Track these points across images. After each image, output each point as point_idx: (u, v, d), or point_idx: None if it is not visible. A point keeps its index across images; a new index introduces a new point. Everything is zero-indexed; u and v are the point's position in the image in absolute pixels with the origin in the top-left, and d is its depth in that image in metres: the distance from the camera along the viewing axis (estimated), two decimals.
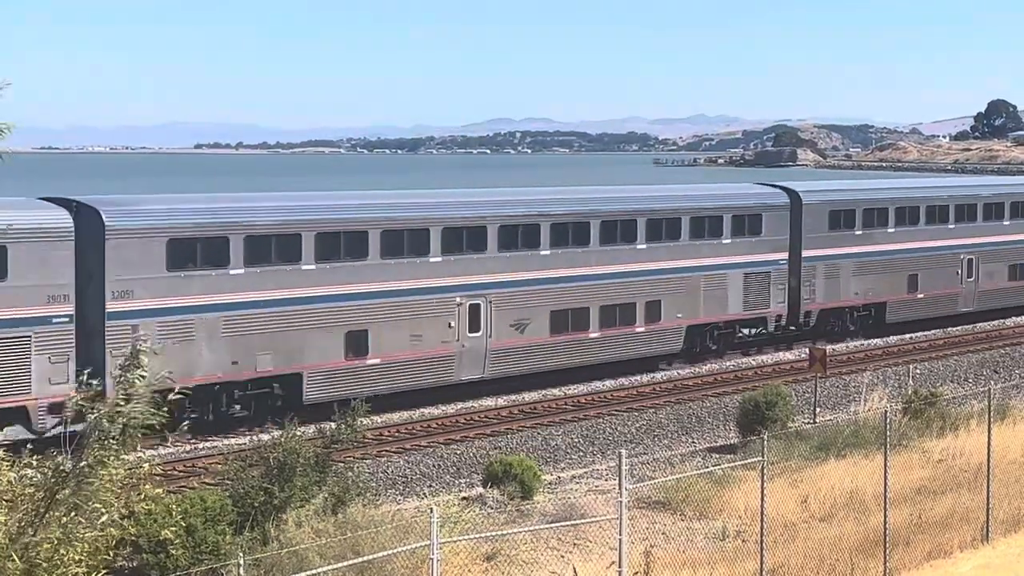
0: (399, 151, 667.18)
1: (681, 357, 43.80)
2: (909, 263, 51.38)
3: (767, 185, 49.75)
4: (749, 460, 22.69)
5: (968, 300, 53.87)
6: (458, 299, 37.37)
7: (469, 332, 37.52)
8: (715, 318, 44.40)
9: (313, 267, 34.40)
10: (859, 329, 49.79)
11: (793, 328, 47.64)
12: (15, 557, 13.13)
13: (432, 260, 36.98)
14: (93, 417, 13.72)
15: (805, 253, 47.62)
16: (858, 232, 49.68)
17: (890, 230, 50.94)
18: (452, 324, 37.17)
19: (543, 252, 39.55)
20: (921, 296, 51.74)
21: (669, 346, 43.11)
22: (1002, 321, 54.30)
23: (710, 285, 44.20)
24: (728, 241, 44.87)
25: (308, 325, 34.26)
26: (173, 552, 19.20)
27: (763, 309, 45.96)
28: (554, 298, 39.71)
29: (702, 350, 44.29)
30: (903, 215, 51.70)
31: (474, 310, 37.72)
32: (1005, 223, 56.05)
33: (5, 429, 28.84)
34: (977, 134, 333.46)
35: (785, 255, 46.90)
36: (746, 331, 46.57)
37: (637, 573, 18.00)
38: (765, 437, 19.99)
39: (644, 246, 42.27)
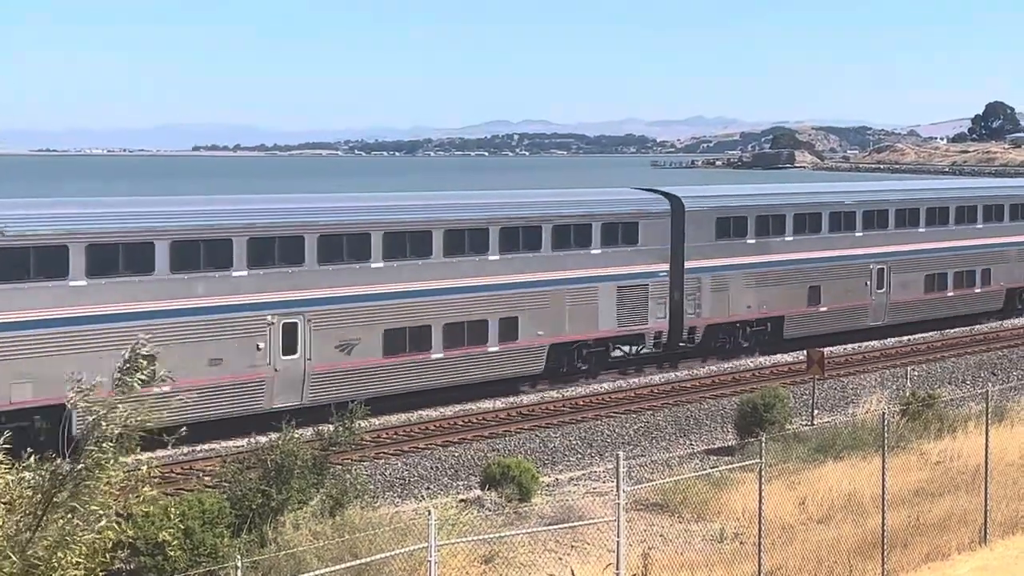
0: (397, 153, 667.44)
1: (545, 378, 40.39)
2: (810, 274, 47.96)
3: (646, 191, 46.19)
4: (747, 462, 22.68)
5: (878, 313, 50.59)
6: (269, 318, 33.54)
7: (283, 355, 33.71)
8: (583, 336, 40.91)
9: (84, 283, 30.55)
10: (753, 345, 46.62)
11: (682, 344, 44.71)
12: (12, 556, 13.13)
13: (236, 274, 33.11)
14: (91, 419, 13.72)
15: (689, 264, 44.09)
16: (751, 241, 46.13)
17: (788, 238, 47.36)
18: (261, 346, 33.34)
19: (374, 265, 35.63)
20: (824, 309, 48.39)
21: (528, 367, 39.42)
22: (1000, 323, 54.28)
23: (577, 300, 40.59)
24: (598, 251, 41.22)
25: (76, 349, 30.08)
26: (171, 554, 19.18)
27: (640, 325, 42.60)
28: (388, 316, 35.88)
29: (570, 370, 41.02)
30: (803, 222, 48.12)
31: (289, 330, 33.91)
32: (920, 230, 52.55)
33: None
34: (975, 136, 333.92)
35: (666, 266, 43.38)
36: (626, 349, 44.10)
37: (635, 575, 18.00)
38: (763, 439, 19.99)
39: (497, 257, 38.46)
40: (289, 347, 33.90)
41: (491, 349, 38.40)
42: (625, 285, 41.91)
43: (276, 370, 33.65)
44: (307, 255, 34.39)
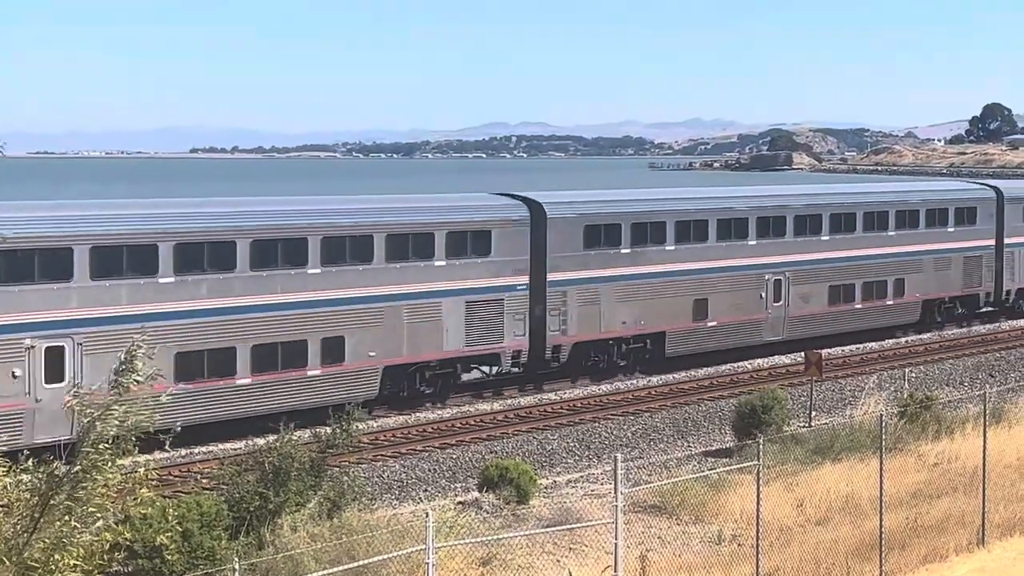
0: (395, 155, 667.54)
1: (381, 404, 36.30)
2: (695, 286, 43.98)
3: (504, 196, 41.63)
4: (745, 464, 22.69)
5: (775, 328, 46.53)
6: (28, 341, 29.70)
7: (46, 383, 29.79)
8: (425, 357, 36.98)
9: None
10: (631, 364, 42.58)
11: (555, 364, 40.74)
12: (5, 561, 13.12)
13: None
14: (88, 421, 13.73)
15: (552, 276, 39.98)
16: (625, 251, 42.08)
17: (669, 248, 43.34)
18: (19, 373, 29.57)
19: (162, 280, 31.92)
20: (713, 324, 44.53)
21: (358, 391, 34.96)
22: (997, 324, 54.30)
23: (417, 317, 36.61)
24: (442, 263, 37.16)
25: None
26: (169, 557, 19.18)
27: (495, 344, 38.46)
28: (180, 338, 32.02)
29: (411, 394, 37.06)
30: (686, 230, 44.04)
31: (55, 355, 30.06)
32: (823, 238, 48.71)
33: None
34: (972, 138, 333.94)
35: (525, 279, 39.37)
36: (486, 370, 39.81)
37: None
38: (761, 441, 20.01)
39: (318, 271, 34.57)
40: (55, 374, 30.09)
41: (312, 373, 34.54)
42: (476, 300, 37.87)
43: (39, 401, 29.73)
44: (76, 269, 30.70)
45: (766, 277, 46.41)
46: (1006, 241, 55.69)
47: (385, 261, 36.05)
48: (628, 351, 42.58)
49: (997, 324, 54.37)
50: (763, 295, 46.26)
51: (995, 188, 57.15)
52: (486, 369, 39.79)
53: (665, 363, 43.29)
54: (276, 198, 44.24)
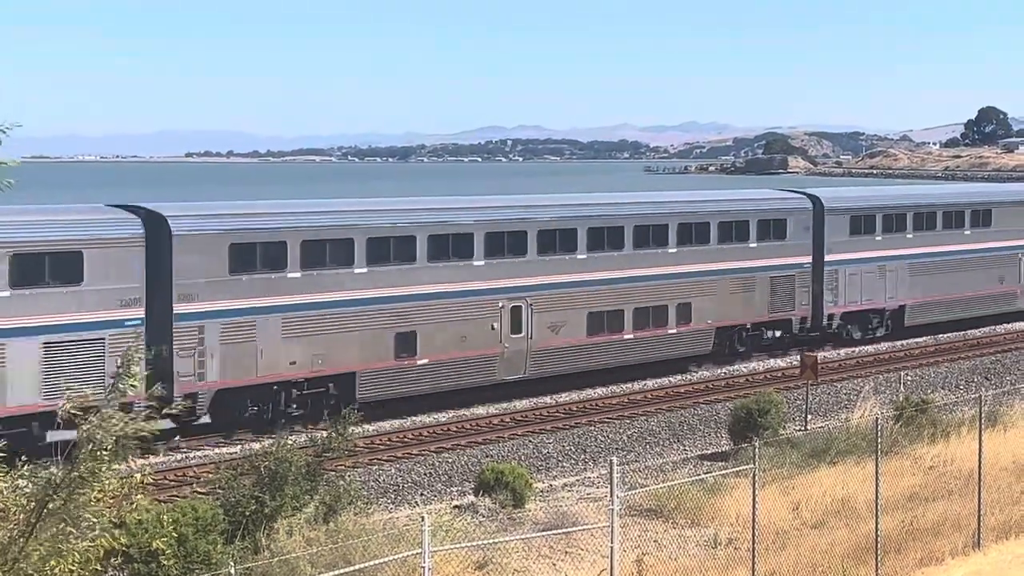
0: (390, 159, 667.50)
1: None
2: (396, 316, 36.61)
3: (117, 208, 33.76)
4: (741, 467, 22.70)
5: (515, 364, 39.25)
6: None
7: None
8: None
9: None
10: (310, 413, 34.61)
11: (193, 420, 33.03)
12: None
13: None
14: (85, 427, 13.70)
15: (179, 309, 32.57)
16: (293, 275, 34.48)
17: (359, 271, 35.88)
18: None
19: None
20: (424, 362, 37.08)
21: None
22: (992, 328, 54.29)
23: None
24: (6, 294, 30.08)
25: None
26: (164, 562, 19.16)
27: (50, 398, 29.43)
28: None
29: None
30: (383, 249, 36.54)
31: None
32: (579, 257, 41.21)
33: None
34: (967, 141, 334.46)
35: (139, 312, 31.94)
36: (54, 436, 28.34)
37: None
38: (757, 444, 20.03)
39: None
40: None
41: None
42: (55, 342, 30.52)
43: None
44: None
45: (500, 304, 39.07)
46: (827, 258, 48.43)
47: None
48: (304, 397, 35.00)
49: (992, 328, 54.33)
50: (495, 325, 38.97)
51: (812, 197, 49.49)
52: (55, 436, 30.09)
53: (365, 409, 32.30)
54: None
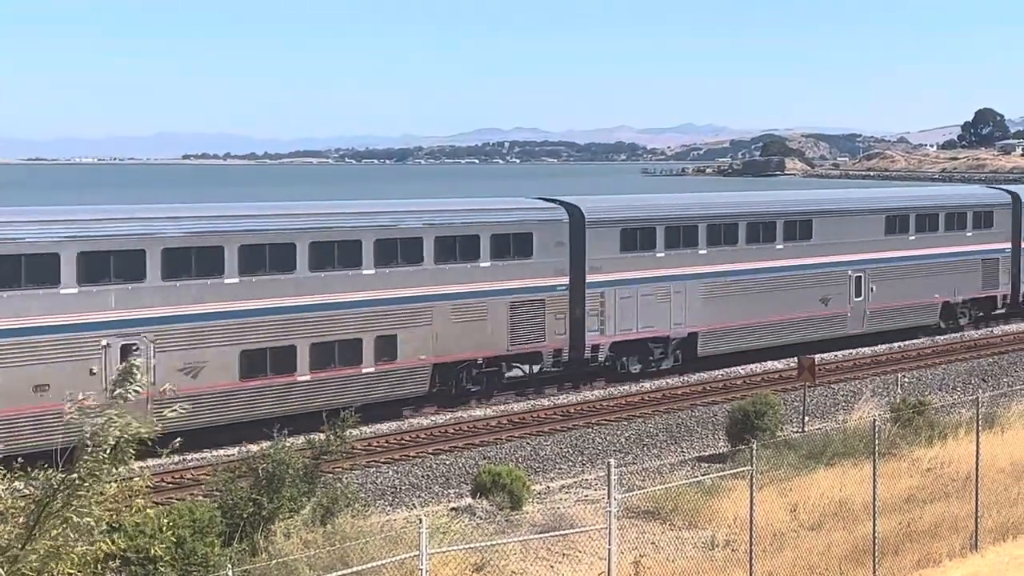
0: (387, 161, 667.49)
1: None
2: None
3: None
4: (738, 469, 22.69)
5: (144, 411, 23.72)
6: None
7: None
8: None
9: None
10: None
11: None
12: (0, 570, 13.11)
13: None
14: (86, 429, 13.71)
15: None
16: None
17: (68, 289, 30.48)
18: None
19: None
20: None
21: None
22: (990, 329, 54.28)
23: None
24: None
25: None
26: (162, 567, 19.15)
27: None
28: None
29: None
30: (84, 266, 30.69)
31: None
32: (227, 281, 33.07)
33: None
34: (964, 143, 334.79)
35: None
36: None
37: None
38: (754, 446, 20.03)
39: None
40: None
41: None
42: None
43: None
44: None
45: (104, 343, 30.84)
46: (589, 278, 40.98)
47: None
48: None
49: (989, 329, 54.33)
50: (96, 369, 30.63)
51: (569, 206, 41.50)
52: None
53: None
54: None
